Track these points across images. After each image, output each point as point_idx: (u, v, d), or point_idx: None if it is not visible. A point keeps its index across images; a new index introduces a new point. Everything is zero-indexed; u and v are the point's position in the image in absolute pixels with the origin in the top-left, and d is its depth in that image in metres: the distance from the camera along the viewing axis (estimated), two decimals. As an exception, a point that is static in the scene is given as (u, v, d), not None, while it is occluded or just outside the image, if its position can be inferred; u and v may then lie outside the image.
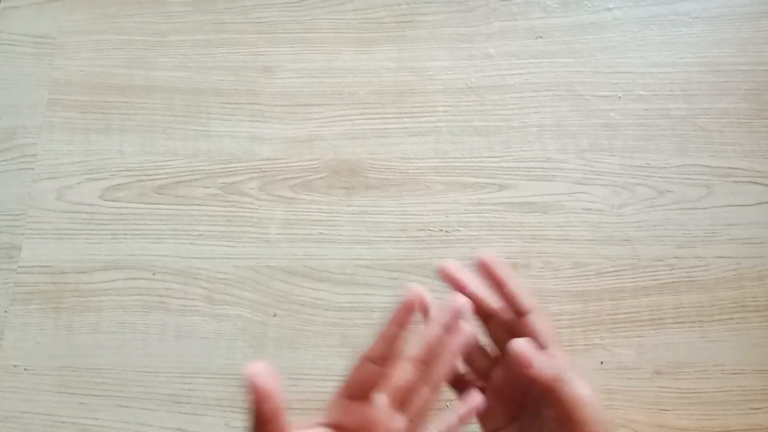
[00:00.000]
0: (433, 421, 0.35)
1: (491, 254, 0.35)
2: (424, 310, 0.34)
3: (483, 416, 0.36)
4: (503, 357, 0.36)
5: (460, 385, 0.37)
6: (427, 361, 0.34)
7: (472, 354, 0.37)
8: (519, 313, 0.34)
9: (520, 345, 0.31)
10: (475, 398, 0.36)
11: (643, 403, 0.43)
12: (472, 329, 0.35)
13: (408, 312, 0.33)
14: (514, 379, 0.35)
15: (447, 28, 0.51)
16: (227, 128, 0.49)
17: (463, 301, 0.34)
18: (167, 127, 0.50)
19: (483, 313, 0.37)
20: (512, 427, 0.36)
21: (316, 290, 0.46)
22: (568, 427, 0.31)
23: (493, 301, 0.36)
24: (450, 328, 0.34)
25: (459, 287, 0.36)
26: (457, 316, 0.34)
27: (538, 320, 0.34)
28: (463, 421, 0.36)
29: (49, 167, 0.49)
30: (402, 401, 0.34)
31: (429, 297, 0.34)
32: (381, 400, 0.33)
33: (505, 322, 0.36)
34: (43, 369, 0.45)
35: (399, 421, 0.33)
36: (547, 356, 0.32)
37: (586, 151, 0.48)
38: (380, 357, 0.33)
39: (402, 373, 0.34)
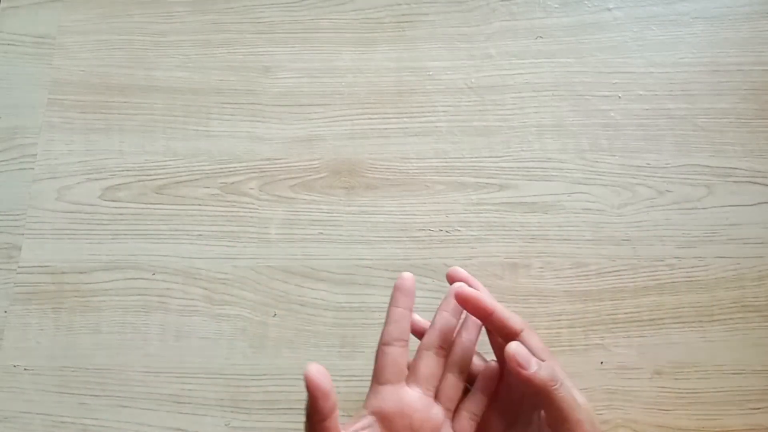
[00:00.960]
0: (464, 404, 0.36)
1: (463, 286, 0.35)
2: (410, 294, 0.36)
3: (479, 424, 0.36)
4: (502, 366, 0.36)
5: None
6: (444, 347, 0.36)
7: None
8: (510, 336, 0.34)
9: (515, 348, 0.31)
10: (492, 367, 0.36)
11: (643, 403, 0.43)
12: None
13: (403, 293, 0.35)
14: (512, 386, 0.36)
15: (447, 28, 0.51)
16: (227, 128, 0.49)
17: (465, 287, 0.35)
18: (167, 127, 0.50)
19: (487, 328, 0.37)
20: None
21: (316, 290, 0.46)
22: (561, 430, 0.31)
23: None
24: (456, 312, 0.36)
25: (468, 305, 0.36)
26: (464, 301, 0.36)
27: (529, 337, 0.34)
28: (486, 394, 0.36)
29: (49, 167, 0.49)
30: (433, 390, 0.35)
31: (414, 282, 0.36)
32: (414, 389, 0.34)
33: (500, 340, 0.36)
34: (43, 369, 0.45)
35: (437, 409, 0.35)
36: (541, 360, 0.32)
37: (586, 151, 0.48)
38: (396, 339, 0.34)
39: (426, 362, 0.35)
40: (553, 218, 0.46)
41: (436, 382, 0.35)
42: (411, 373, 0.35)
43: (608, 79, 0.49)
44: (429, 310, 0.45)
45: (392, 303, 0.35)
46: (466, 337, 0.37)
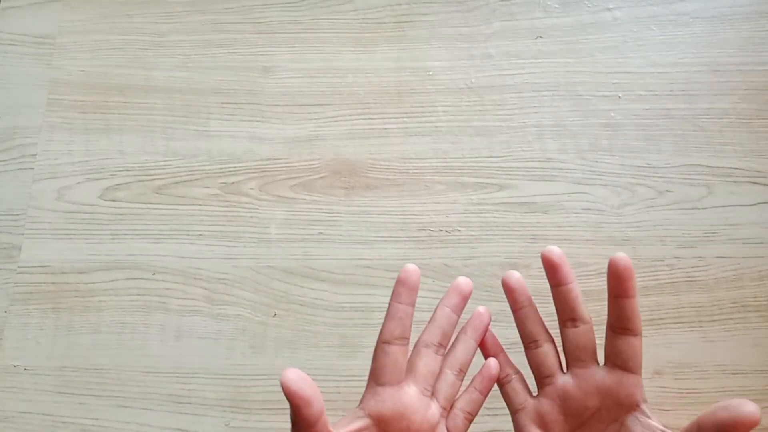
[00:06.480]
0: (458, 403, 0.35)
1: (553, 248, 0.33)
2: (414, 288, 0.33)
3: (543, 424, 0.34)
4: (574, 368, 0.35)
5: (505, 382, 0.36)
6: (444, 345, 0.34)
7: (541, 356, 0.35)
8: (626, 330, 0.34)
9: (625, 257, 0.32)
10: (491, 366, 0.35)
11: (643, 403, 0.43)
12: (486, 310, 0.36)
13: (406, 288, 0.33)
14: (586, 392, 0.34)
15: (447, 28, 0.51)
16: (227, 128, 0.49)
17: (465, 282, 0.34)
18: (167, 127, 0.50)
19: (566, 319, 0.35)
20: None
21: (316, 290, 0.46)
22: None
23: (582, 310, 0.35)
24: (457, 309, 0.35)
25: (558, 283, 0.35)
26: (463, 297, 0.35)
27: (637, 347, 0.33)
28: (483, 393, 0.35)
29: (49, 167, 0.49)
30: (431, 388, 0.34)
31: (419, 273, 0.33)
32: (411, 389, 0.33)
33: (588, 335, 0.35)
34: (43, 369, 0.45)
35: (434, 408, 0.33)
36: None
37: (586, 151, 0.48)
38: (398, 337, 0.33)
39: (425, 360, 0.34)
40: (553, 218, 0.46)
41: (433, 381, 0.34)
42: (409, 370, 0.33)
43: (608, 79, 0.49)
44: (429, 310, 0.45)
45: (394, 298, 0.33)
46: (470, 335, 0.35)
